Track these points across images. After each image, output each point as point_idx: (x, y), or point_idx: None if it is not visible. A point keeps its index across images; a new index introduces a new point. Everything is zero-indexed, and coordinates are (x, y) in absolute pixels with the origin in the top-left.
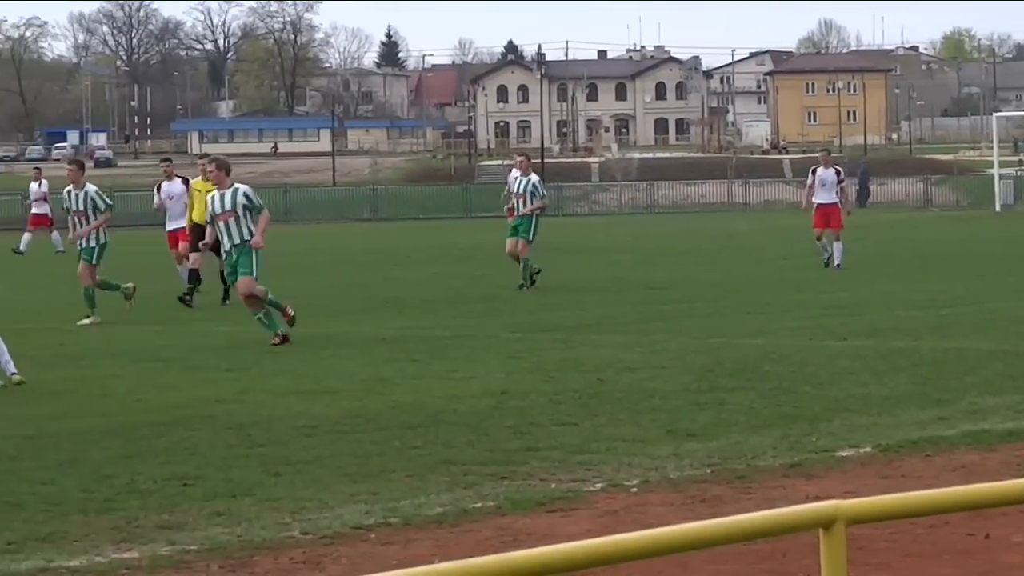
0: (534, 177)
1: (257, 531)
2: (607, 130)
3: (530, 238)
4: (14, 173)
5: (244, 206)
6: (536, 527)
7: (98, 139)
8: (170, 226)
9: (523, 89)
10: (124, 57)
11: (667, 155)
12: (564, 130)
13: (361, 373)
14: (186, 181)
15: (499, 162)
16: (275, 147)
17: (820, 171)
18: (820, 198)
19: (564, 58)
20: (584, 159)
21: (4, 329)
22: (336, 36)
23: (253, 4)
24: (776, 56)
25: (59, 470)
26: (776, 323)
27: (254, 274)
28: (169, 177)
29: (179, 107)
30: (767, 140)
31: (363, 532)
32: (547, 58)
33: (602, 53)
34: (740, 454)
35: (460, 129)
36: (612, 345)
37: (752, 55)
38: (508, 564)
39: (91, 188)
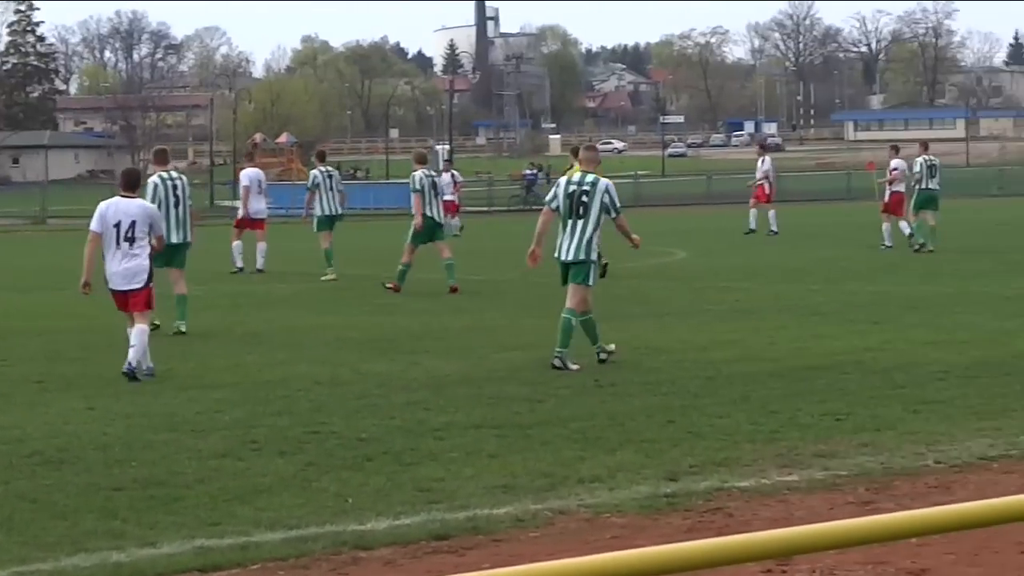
0: None
1: (897, 460)
2: None
3: None
4: (700, 157)
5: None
6: None
7: (769, 128)
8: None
9: None
10: (792, 58)
11: None
12: None
13: (988, 326)
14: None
15: None
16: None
17: None
18: None
19: None
20: None
21: (688, 288)
22: (971, 39)
23: (900, 14)
24: None
25: (733, 406)
26: None
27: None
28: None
29: (837, 100)
30: None
31: (987, 462)
32: None
33: None
34: None
35: None
36: None
37: None
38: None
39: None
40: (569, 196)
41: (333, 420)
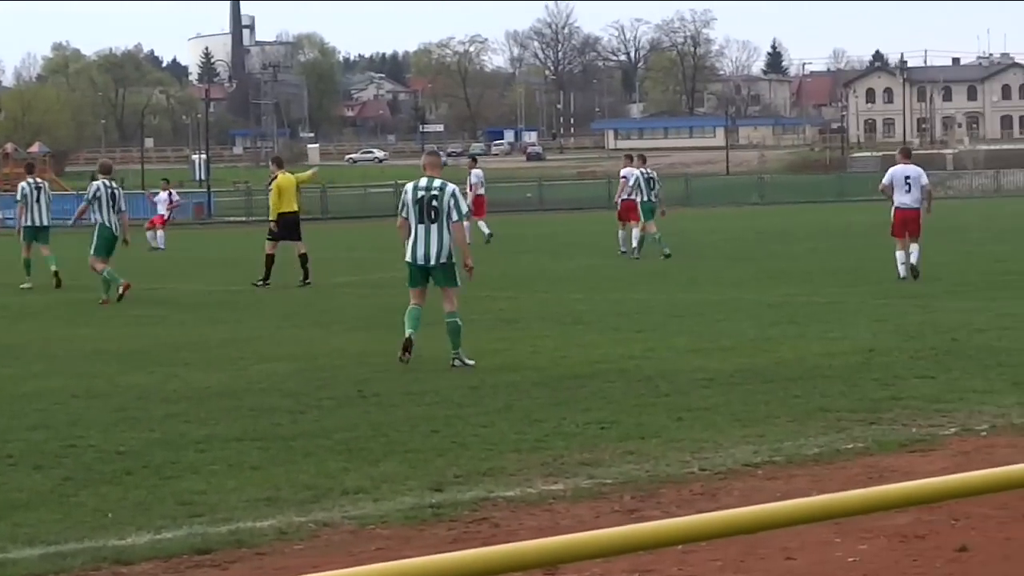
0: None
1: (663, 467)
2: (960, 126)
3: None
4: (460, 167)
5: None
6: (898, 465)
7: (530, 137)
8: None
9: (888, 91)
10: (551, 67)
11: (1012, 147)
12: (923, 126)
13: (750, 333)
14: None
15: (868, 154)
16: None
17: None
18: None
19: (923, 64)
20: (940, 151)
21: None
22: (729, 48)
23: (659, 22)
24: None
25: (497, 415)
26: None
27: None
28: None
29: (597, 109)
30: None
31: (751, 469)
32: (908, 65)
33: (956, 60)
34: None
35: (834, 126)
36: (964, 310)
37: None
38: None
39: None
40: (418, 202)
41: (91, 433)
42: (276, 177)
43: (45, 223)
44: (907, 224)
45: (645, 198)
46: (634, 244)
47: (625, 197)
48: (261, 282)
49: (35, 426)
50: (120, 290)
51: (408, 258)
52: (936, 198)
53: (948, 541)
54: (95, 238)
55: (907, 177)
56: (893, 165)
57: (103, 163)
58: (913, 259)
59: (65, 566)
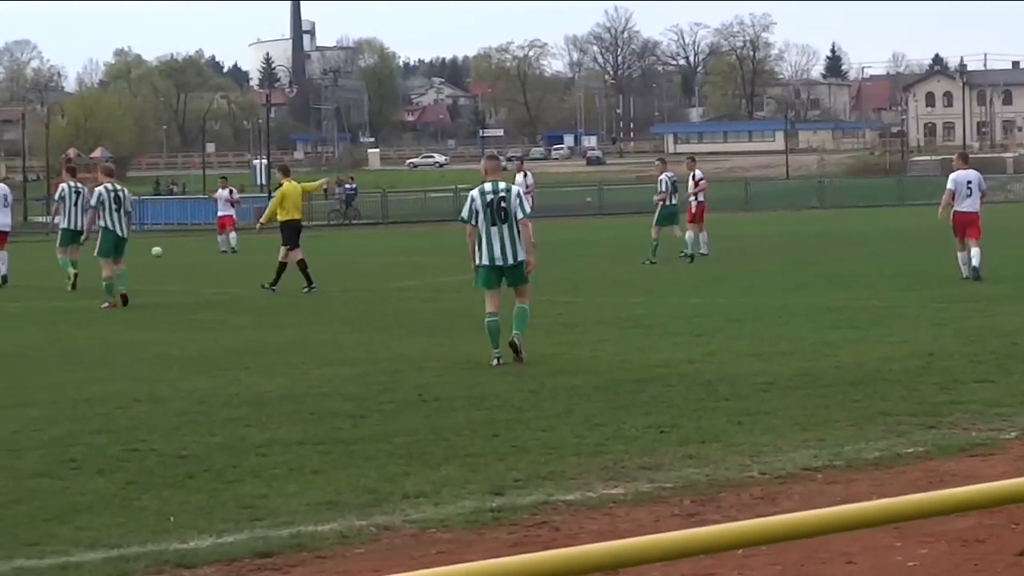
0: None
1: (722, 471)
2: (1020, 129)
3: None
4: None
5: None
6: (959, 469)
7: (590, 141)
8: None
9: (947, 95)
10: (611, 72)
11: None
12: (983, 130)
13: (810, 337)
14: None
15: (928, 158)
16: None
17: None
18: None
19: (983, 68)
20: (1000, 154)
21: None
22: (788, 52)
23: (718, 26)
24: None
25: (557, 419)
26: None
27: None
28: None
29: (657, 113)
30: None
31: (811, 473)
32: (968, 68)
33: (1015, 63)
34: None
35: (894, 130)
36: None
37: None
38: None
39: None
40: (489, 205)
41: (153, 438)
42: (282, 185)
43: (81, 227)
44: (967, 227)
45: (671, 202)
46: (703, 248)
47: (701, 199)
48: (306, 288)
49: (98, 430)
50: (110, 303)
51: (485, 260)
52: (996, 202)
53: (1009, 545)
54: (99, 241)
55: (969, 182)
56: (951, 171)
57: (105, 167)
58: (975, 262)
59: (127, 570)
